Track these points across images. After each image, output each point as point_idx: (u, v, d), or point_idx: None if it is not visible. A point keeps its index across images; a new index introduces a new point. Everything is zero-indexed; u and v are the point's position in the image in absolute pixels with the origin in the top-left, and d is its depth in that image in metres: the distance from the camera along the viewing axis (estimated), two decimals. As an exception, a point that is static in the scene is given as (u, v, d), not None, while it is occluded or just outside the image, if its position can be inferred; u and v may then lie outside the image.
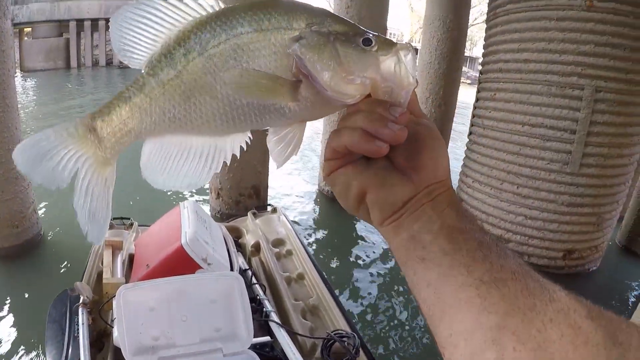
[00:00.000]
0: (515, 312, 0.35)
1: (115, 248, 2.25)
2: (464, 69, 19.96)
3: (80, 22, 21.22)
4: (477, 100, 5.29)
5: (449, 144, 7.17)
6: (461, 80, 7.15)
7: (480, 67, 5.50)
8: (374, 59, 0.42)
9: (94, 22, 21.43)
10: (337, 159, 0.45)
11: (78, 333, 1.66)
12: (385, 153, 0.41)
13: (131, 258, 2.18)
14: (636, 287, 4.96)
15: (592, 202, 4.57)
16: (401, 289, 4.10)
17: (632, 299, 4.64)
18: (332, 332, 1.79)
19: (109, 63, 22.56)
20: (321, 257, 4.45)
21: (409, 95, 0.42)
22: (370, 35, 0.43)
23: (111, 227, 2.54)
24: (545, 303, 0.35)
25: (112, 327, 1.64)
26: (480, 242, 0.40)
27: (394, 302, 3.85)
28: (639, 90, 4.33)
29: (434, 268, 0.40)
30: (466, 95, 10.44)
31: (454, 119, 7.28)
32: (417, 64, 0.38)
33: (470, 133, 5.51)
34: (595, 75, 4.20)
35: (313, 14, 0.44)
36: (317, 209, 5.97)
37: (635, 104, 4.34)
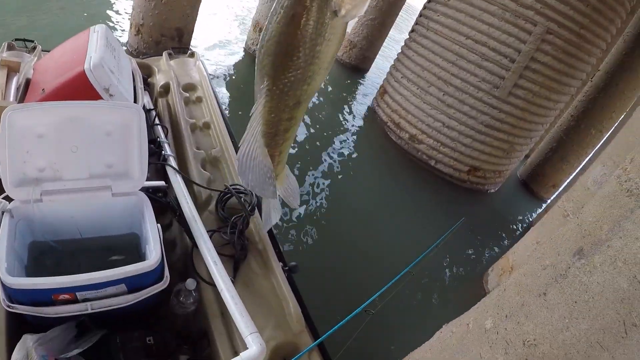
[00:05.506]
0: None
1: (12, 70, 2.01)
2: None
3: None
4: (429, 1, 5.21)
5: (390, 32, 7.33)
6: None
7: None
8: None
9: None
10: None
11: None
12: None
13: (28, 83, 1.95)
14: (525, 219, 5.52)
15: (509, 130, 4.84)
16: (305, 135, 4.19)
17: (519, 229, 5.19)
18: (230, 186, 1.77)
19: None
20: (229, 109, 4.41)
21: None
22: None
23: (11, 48, 2.24)
24: None
25: None
26: None
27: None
28: (587, 47, 4.45)
29: None
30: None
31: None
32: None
33: (412, 30, 5.49)
34: (551, 17, 4.22)
35: None
36: (239, 66, 5.75)
37: (577, 57, 4.47)
